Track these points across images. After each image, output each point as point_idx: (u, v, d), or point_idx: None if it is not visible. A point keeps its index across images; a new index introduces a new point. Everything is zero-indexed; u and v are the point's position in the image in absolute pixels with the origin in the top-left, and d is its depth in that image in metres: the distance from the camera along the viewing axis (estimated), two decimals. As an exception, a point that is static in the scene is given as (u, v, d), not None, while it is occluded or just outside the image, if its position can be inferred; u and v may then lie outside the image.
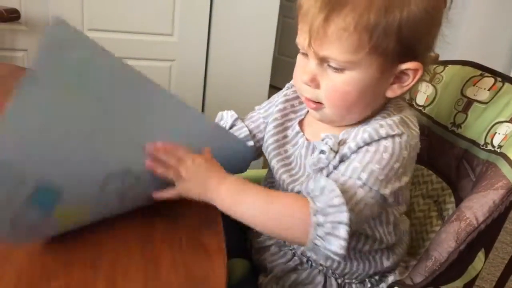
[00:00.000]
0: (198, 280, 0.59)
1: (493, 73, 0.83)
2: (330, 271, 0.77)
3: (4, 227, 0.52)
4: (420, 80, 0.89)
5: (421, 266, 0.70)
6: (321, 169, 0.70)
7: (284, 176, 0.76)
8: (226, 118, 0.84)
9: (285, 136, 0.80)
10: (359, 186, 0.65)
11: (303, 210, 0.63)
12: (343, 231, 0.61)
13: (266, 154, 0.81)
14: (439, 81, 0.89)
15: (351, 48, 0.63)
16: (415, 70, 0.67)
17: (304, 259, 0.78)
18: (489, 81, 0.82)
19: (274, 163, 0.78)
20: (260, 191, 0.67)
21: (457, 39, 2.03)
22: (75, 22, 1.98)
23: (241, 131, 0.83)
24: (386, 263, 0.78)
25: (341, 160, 0.68)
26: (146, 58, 2.14)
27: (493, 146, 0.76)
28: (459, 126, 0.83)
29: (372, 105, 0.70)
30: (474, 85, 0.83)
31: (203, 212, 0.72)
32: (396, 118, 0.68)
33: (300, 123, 0.79)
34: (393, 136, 0.66)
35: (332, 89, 0.67)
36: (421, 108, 0.91)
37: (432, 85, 0.90)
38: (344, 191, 0.63)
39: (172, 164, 0.65)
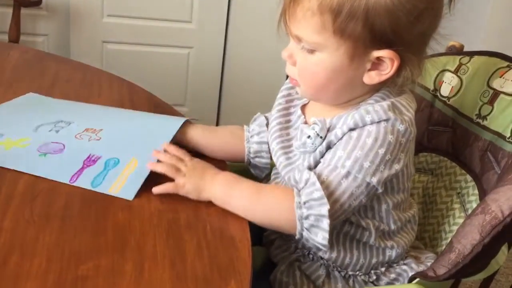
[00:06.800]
0: (223, 267, 0.59)
1: (521, 64, 0.81)
2: (332, 265, 0.77)
3: None
4: (444, 71, 0.90)
5: (444, 259, 0.70)
6: (308, 154, 0.72)
7: (282, 159, 0.77)
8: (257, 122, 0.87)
9: (289, 121, 0.81)
10: (343, 176, 0.67)
11: (288, 203, 0.67)
12: (325, 224, 0.65)
13: (270, 138, 0.81)
14: (465, 72, 0.88)
15: (316, 29, 0.66)
16: (391, 60, 0.67)
17: (306, 252, 0.78)
18: (516, 72, 0.80)
19: (274, 145, 0.79)
20: (250, 184, 0.72)
21: (481, 28, 2.00)
22: (95, 8, 2.00)
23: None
24: (390, 253, 0.77)
25: (328, 147, 0.70)
26: (164, 44, 2.15)
27: (520, 139, 0.75)
28: (484, 118, 0.82)
29: (349, 89, 0.71)
30: (500, 77, 0.82)
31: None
32: (386, 103, 0.68)
33: (303, 108, 0.80)
34: (378, 122, 0.67)
35: (303, 68, 0.71)
36: (445, 99, 0.90)
37: (458, 76, 0.88)
38: (329, 183, 0.67)
39: (173, 162, 0.73)
